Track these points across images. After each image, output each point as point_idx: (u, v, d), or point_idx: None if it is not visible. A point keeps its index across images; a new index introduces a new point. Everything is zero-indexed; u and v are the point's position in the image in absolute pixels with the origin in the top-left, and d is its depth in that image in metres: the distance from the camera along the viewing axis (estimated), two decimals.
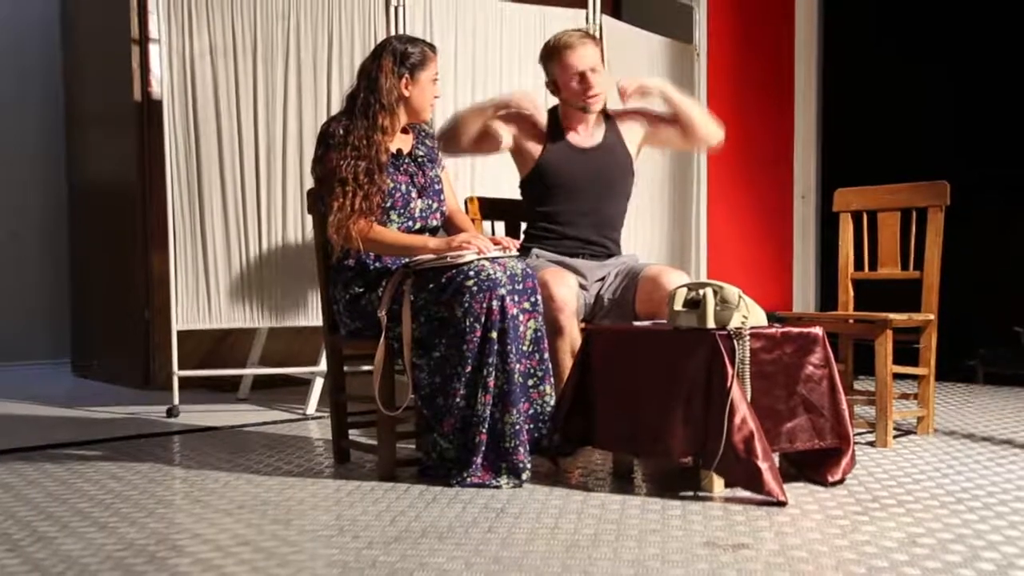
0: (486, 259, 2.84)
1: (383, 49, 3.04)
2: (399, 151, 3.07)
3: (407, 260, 2.94)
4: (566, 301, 3.11)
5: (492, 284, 2.76)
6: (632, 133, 3.53)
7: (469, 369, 2.77)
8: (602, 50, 3.47)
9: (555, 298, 3.08)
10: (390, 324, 2.89)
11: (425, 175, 3.09)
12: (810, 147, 5.66)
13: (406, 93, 3.02)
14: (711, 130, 3.46)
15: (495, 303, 2.76)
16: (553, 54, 3.40)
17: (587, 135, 3.48)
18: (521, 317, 2.82)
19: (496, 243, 2.95)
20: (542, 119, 3.45)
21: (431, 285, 2.85)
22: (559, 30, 4.58)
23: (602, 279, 3.42)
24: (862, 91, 5.49)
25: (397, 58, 3.00)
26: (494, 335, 2.76)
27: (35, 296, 6.18)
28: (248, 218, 4.17)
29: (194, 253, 4.14)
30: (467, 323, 2.76)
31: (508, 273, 2.81)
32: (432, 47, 3.09)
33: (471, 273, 2.79)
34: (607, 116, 3.53)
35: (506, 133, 3.40)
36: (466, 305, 2.76)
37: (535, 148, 3.43)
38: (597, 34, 4.73)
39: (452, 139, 3.35)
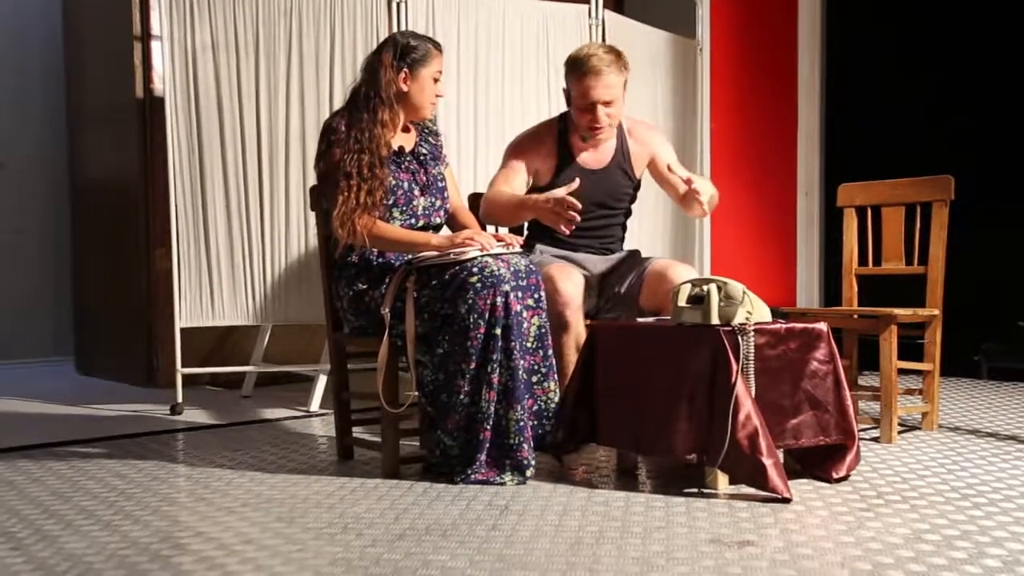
0: (489, 256, 2.83)
1: (385, 43, 3.03)
2: (401, 148, 3.05)
3: (410, 257, 2.93)
4: (571, 296, 3.10)
5: (496, 281, 2.76)
6: (642, 151, 3.46)
7: (473, 366, 2.76)
8: (626, 67, 3.31)
9: (560, 293, 3.07)
10: (393, 321, 2.88)
11: (428, 173, 3.08)
12: (814, 142, 5.64)
13: (404, 88, 3.00)
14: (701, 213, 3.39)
15: (499, 299, 2.75)
16: (576, 71, 3.25)
17: (595, 151, 3.40)
18: (525, 313, 2.81)
19: (499, 240, 2.94)
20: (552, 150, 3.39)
21: (434, 282, 2.84)
22: (561, 26, 4.59)
23: (607, 274, 3.41)
24: (866, 86, 5.47)
25: (398, 52, 2.99)
26: (498, 331, 2.75)
27: (38, 294, 6.18)
28: (251, 215, 4.16)
29: (197, 250, 4.13)
30: (471, 320, 2.75)
31: (512, 270, 2.81)
32: (437, 44, 3.07)
33: (475, 270, 2.78)
34: (621, 129, 3.48)
35: (525, 174, 3.36)
36: (470, 302, 2.75)
37: (547, 170, 3.37)
38: (600, 29, 4.72)
39: (494, 221, 3.35)
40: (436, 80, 3.04)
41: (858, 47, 5.53)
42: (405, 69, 2.99)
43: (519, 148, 3.39)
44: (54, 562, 2.10)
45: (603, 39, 4.72)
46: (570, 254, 3.38)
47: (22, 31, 6.08)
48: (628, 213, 3.55)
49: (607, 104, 3.24)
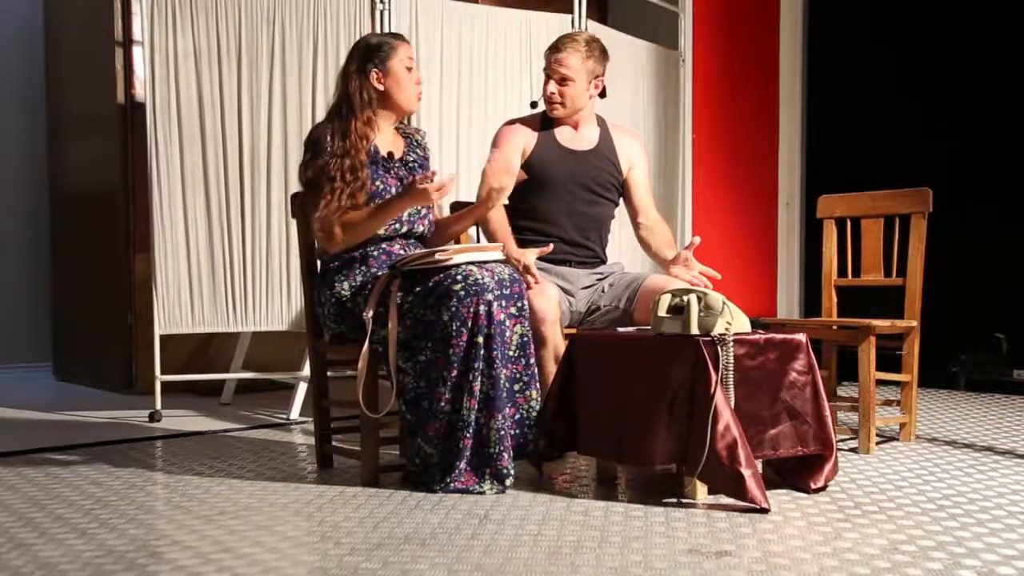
0: (474, 263, 2.83)
1: (350, 52, 3.10)
2: (390, 154, 3.08)
3: (394, 262, 2.93)
4: (546, 311, 3.11)
5: (479, 289, 2.76)
6: (625, 154, 3.54)
7: (455, 373, 2.76)
8: (597, 60, 3.43)
9: (536, 310, 3.07)
10: (375, 327, 2.88)
11: None
12: (795, 153, 5.68)
13: (380, 88, 3.04)
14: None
15: (482, 308, 2.75)
16: (549, 46, 3.46)
17: (578, 136, 3.49)
18: (508, 322, 2.81)
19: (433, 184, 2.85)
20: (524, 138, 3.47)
21: (418, 288, 2.84)
22: (544, 35, 4.60)
23: (591, 287, 3.41)
24: (847, 98, 5.51)
25: (363, 56, 3.04)
26: (480, 340, 2.75)
27: (16, 299, 6.14)
28: (232, 221, 4.15)
29: (177, 256, 4.12)
30: (453, 327, 2.75)
31: (496, 278, 2.81)
32: (397, 35, 3.12)
33: (459, 277, 2.78)
34: (605, 126, 3.53)
35: (518, 156, 3.44)
36: (453, 309, 2.75)
37: (529, 145, 3.46)
38: None
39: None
40: (409, 69, 3.06)
41: (839, 59, 5.57)
42: (375, 69, 3.03)
43: (508, 127, 3.50)
44: (28, 571, 2.08)
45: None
46: (552, 267, 3.38)
47: (3, 35, 6.05)
48: (611, 214, 3.56)
49: (560, 82, 3.39)
